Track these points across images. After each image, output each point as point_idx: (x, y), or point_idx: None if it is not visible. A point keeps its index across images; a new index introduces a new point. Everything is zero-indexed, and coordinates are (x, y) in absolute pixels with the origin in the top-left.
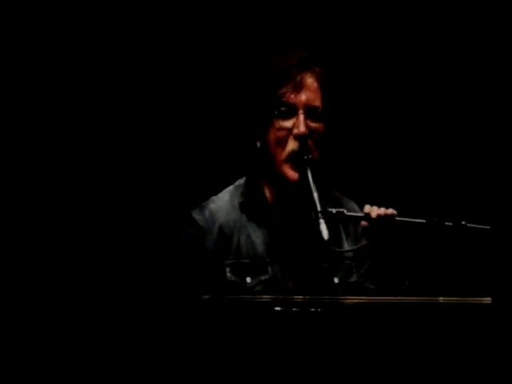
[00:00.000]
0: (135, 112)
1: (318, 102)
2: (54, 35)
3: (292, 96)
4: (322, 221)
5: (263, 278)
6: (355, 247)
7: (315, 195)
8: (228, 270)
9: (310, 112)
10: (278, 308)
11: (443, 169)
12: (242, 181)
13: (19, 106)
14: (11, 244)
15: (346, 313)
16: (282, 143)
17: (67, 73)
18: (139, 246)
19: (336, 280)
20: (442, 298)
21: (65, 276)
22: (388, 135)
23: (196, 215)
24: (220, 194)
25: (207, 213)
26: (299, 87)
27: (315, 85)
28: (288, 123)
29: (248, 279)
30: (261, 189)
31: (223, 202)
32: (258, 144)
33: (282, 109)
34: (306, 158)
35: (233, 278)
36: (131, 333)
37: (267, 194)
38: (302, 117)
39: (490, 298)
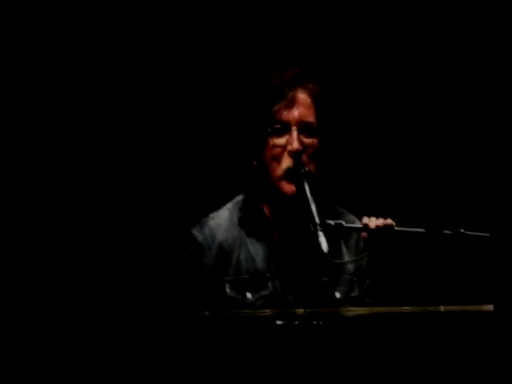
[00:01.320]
0: (137, 128)
1: (311, 118)
2: (54, 35)
3: (285, 113)
4: (320, 233)
5: (264, 293)
6: (355, 258)
7: (313, 208)
8: (228, 286)
9: (304, 128)
10: (279, 322)
11: (441, 178)
12: (240, 197)
13: (19, 106)
14: (16, 250)
15: (347, 325)
16: (278, 160)
17: (67, 73)
18: (140, 260)
19: (338, 295)
20: (443, 307)
21: (66, 287)
22: (385, 146)
23: (196, 232)
24: (219, 211)
25: (207, 230)
26: (292, 103)
27: (308, 100)
28: (282, 140)
29: (248, 295)
30: (259, 205)
31: (223, 219)
32: (255, 163)
33: (276, 126)
34: (302, 171)
35: (232, 294)
36: (132, 348)
37: (265, 209)
38: (295, 133)
39: (491, 306)
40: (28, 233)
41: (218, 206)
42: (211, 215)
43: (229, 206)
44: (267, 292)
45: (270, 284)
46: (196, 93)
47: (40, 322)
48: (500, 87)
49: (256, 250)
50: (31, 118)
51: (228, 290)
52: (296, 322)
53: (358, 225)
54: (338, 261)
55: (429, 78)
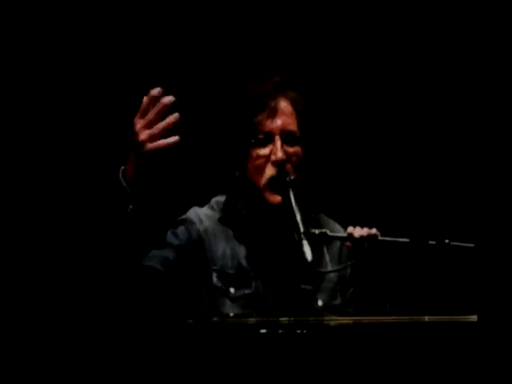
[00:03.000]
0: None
1: (293, 127)
2: (54, 35)
3: (267, 123)
4: (305, 242)
5: (246, 291)
6: (338, 268)
7: (298, 216)
8: (215, 275)
9: (287, 137)
10: (263, 330)
11: (426, 187)
12: (221, 198)
13: (19, 106)
14: (20, 253)
15: (331, 334)
16: (261, 170)
17: (68, 74)
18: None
19: (320, 303)
20: (427, 317)
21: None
22: (370, 154)
23: (182, 217)
24: (199, 208)
25: (193, 214)
26: (274, 113)
27: (290, 109)
28: (265, 150)
29: (232, 290)
30: (239, 206)
31: (208, 212)
32: (237, 173)
33: (259, 136)
34: (287, 179)
35: (218, 284)
36: (117, 357)
37: (247, 215)
38: (278, 143)
39: (475, 316)
40: (31, 236)
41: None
42: (194, 208)
43: (209, 204)
44: (249, 291)
45: (253, 283)
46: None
47: (39, 324)
48: (495, 100)
49: (240, 250)
50: (32, 119)
51: (215, 280)
52: (280, 331)
53: (342, 234)
54: (322, 270)
55: (417, 85)
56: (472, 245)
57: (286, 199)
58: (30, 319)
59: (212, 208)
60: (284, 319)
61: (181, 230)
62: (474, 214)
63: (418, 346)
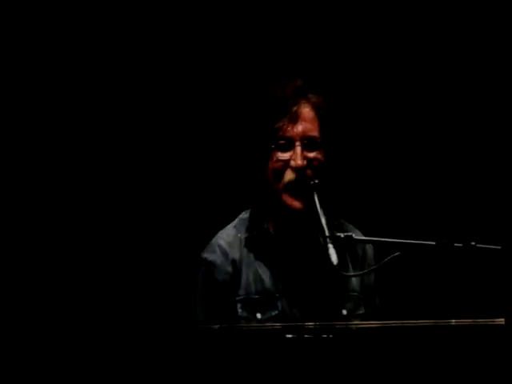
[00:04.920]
0: (141, 142)
1: (315, 132)
2: (54, 35)
3: (289, 129)
4: (330, 246)
5: (273, 313)
6: (364, 271)
7: (323, 220)
8: (239, 305)
9: (308, 143)
10: (289, 335)
11: (452, 190)
12: (246, 215)
13: (20, 106)
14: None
15: (357, 338)
16: (280, 174)
17: (68, 74)
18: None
19: (344, 312)
20: (454, 321)
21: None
22: (394, 158)
23: (206, 255)
24: (227, 230)
25: (217, 249)
26: (295, 119)
27: (311, 114)
28: (285, 155)
29: (258, 315)
30: (265, 225)
31: (231, 238)
32: (259, 175)
33: (280, 142)
34: (311, 183)
35: (244, 314)
36: (141, 365)
37: (271, 228)
38: (298, 149)
39: (502, 319)
40: (30, 236)
41: (224, 221)
42: (219, 235)
43: (235, 223)
44: (276, 312)
45: (278, 303)
46: (197, 110)
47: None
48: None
49: (263, 270)
50: (33, 119)
51: (240, 310)
52: (306, 336)
53: (367, 237)
54: (347, 273)
55: (433, 90)
56: (498, 247)
57: (311, 203)
58: (30, 319)
59: (236, 228)
60: (310, 324)
61: (206, 282)
62: (501, 216)
63: (446, 349)
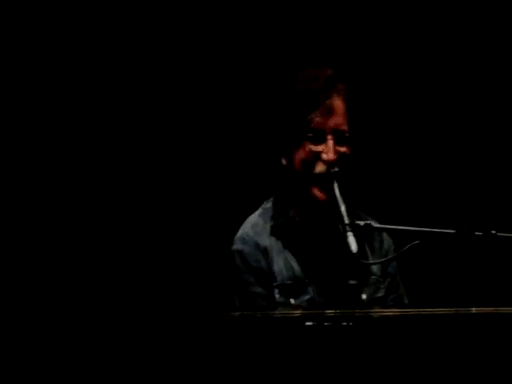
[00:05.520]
0: (160, 135)
1: (345, 126)
2: (54, 35)
3: (321, 121)
4: (350, 233)
5: (305, 298)
6: (383, 260)
7: (342, 208)
8: (276, 291)
9: (338, 137)
10: (309, 323)
11: (473, 179)
12: (269, 203)
13: (20, 106)
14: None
15: (377, 326)
16: (310, 165)
17: (68, 74)
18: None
19: (364, 296)
20: (474, 309)
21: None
22: (414, 149)
23: (236, 246)
24: (252, 219)
25: (247, 238)
26: (328, 112)
27: (342, 107)
28: (317, 147)
29: (292, 300)
30: (290, 212)
31: (259, 227)
32: (284, 161)
33: (312, 134)
34: (332, 171)
35: (281, 300)
36: (160, 349)
37: (296, 215)
38: (331, 143)
39: None
40: (31, 236)
41: (248, 208)
42: (246, 225)
43: (259, 212)
44: (308, 297)
45: (309, 288)
46: (224, 97)
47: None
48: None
49: (291, 258)
50: (33, 119)
51: (277, 296)
52: (325, 324)
53: (386, 226)
54: (367, 261)
55: (454, 79)
56: None
57: (331, 191)
58: (31, 320)
59: (261, 217)
60: (329, 312)
61: (242, 272)
62: None
63: (466, 337)
